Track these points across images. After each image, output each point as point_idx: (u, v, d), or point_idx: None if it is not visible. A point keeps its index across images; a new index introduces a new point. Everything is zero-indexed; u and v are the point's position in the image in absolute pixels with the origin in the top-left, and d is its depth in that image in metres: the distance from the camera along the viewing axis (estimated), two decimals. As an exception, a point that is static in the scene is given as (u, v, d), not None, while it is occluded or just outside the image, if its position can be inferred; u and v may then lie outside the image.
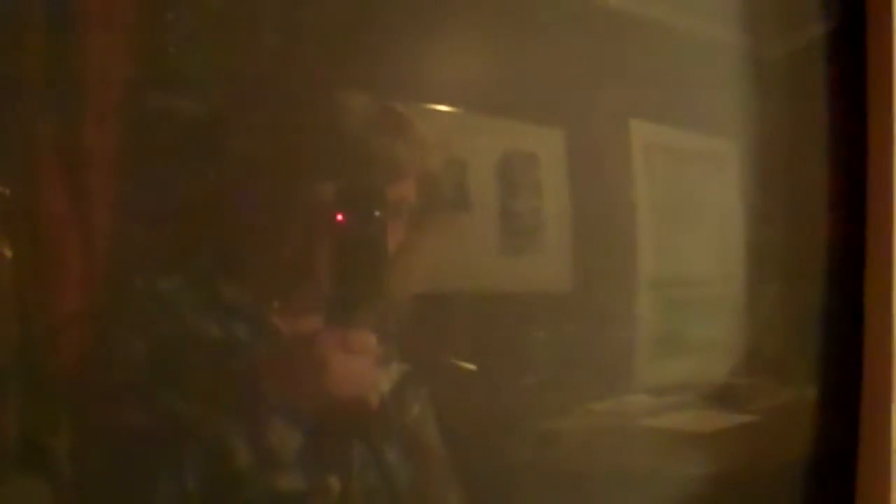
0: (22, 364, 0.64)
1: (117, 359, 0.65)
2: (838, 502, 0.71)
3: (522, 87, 0.67)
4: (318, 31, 0.66)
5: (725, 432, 0.70)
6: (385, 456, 0.67)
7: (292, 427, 0.65)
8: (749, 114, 0.68)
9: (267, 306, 0.66)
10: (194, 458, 0.62)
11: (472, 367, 0.68)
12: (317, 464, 0.65)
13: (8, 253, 0.64)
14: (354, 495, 0.65)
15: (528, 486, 0.67)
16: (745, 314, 0.67)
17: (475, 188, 0.67)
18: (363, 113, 0.67)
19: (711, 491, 0.69)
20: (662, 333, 0.68)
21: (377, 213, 0.67)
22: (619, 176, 0.68)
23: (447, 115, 0.67)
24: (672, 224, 0.68)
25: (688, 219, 0.68)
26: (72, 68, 0.64)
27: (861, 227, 0.69)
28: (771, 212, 0.68)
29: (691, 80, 0.69)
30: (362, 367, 0.66)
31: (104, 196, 0.65)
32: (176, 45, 0.64)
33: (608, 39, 0.68)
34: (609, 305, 0.68)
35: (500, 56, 0.68)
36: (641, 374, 0.68)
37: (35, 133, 0.64)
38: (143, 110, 0.65)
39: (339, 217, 0.67)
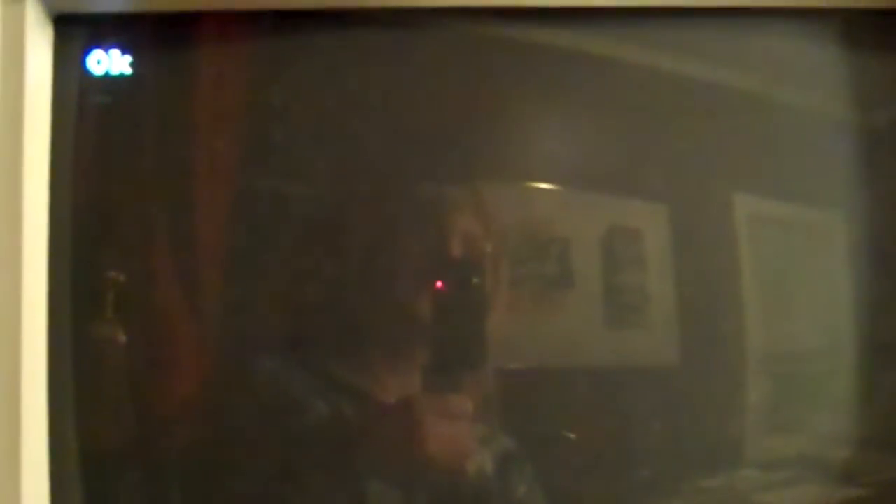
0: (136, 445, 0.65)
1: (228, 437, 0.66)
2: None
3: (625, 164, 0.68)
4: (428, 114, 0.67)
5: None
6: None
7: (395, 493, 0.66)
8: (856, 183, 0.67)
9: (370, 378, 0.67)
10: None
11: (577, 442, 0.67)
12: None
13: (122, 338, 0.65)
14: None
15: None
16: (855, 387, 0.66)
17: (579, 262, 0.67)
18: (469, 191, 0.68)
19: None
20: (771, 408, 0.67)
21: (475, 281, 0.67)
22: (724, 249, 0.68)
23: (553, 192, 0.68)
24: (779, 297, 0.67)
25: (795, 291, 0.67)
26: (185, 162, 0.66)
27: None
28: (880, 282, 0.67)
29: (795, 151, 0.68)
30: (459, 431, 0.67)
31: (214, 281, 0.67)
32: (283, 136, 0.66)
33: (710, 114, 0.68)
34: (716, 380, 0.67)
35: (602, 134, 0.69)
36: (751, 449, 0.67)
37: (150, 223, 0.65)
38: (250, 199, 0.66)
39: (439, 284, 0.68)
